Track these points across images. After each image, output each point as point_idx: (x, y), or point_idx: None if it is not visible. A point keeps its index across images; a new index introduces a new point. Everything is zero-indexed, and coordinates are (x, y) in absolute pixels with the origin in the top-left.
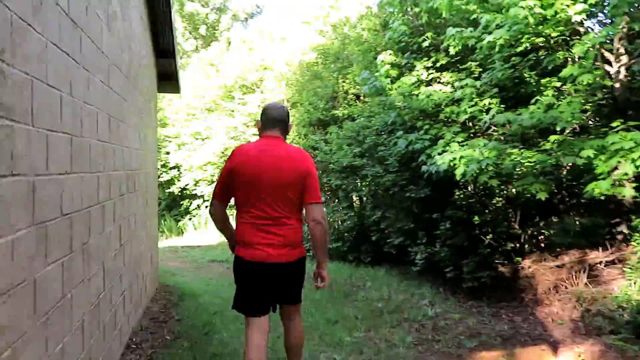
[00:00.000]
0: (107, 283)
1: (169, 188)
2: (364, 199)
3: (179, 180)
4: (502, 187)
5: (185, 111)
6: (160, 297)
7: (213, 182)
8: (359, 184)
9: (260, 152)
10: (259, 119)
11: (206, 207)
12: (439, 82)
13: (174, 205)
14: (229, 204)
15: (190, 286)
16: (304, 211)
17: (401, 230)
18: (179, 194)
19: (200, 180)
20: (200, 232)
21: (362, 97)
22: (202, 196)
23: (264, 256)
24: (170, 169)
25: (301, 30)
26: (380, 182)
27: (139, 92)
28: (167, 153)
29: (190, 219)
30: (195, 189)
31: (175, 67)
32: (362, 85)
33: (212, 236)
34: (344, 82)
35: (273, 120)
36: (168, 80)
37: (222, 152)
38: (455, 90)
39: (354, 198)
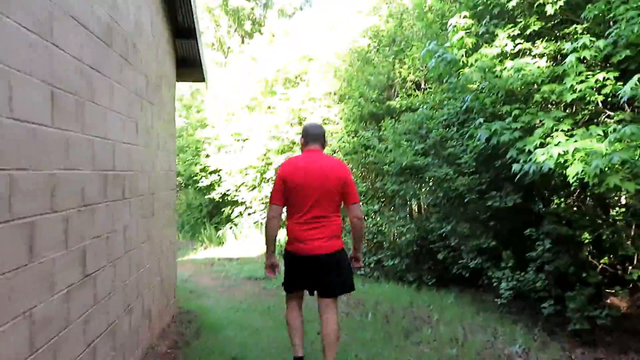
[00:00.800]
0: (51, 334)
1: (209, 194)
2: (427, 207)
3: (219, 186)
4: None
5: (225, 110)
6: (174, 329)
7: (255, 187)
8: (421, 188)
9: (307, 164)
10: (301, 136)
11: (248, 214)
12: (530, 55)
13: (215, 213)
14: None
15: (214, 313)
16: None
17: (478, 248)
18: (220, 200)
19: (241, 185)
20: (241, 242)
21: (423, 86)
22: (244, 203)
23: (312, 248)
24: (210, 173)
25: (352, 19)
26: (450, 187)
27: (134, 69)
28: (207, 156)
29: (231, 227)
30: (237, 195)
31: (198, 50)
32: (425, 61)
33: (253, 247)
34: (400, 67)
35: (314, 137)
36: (191, 67)
37: (264, 155)
38: (556, 64)
39: (414, 206)
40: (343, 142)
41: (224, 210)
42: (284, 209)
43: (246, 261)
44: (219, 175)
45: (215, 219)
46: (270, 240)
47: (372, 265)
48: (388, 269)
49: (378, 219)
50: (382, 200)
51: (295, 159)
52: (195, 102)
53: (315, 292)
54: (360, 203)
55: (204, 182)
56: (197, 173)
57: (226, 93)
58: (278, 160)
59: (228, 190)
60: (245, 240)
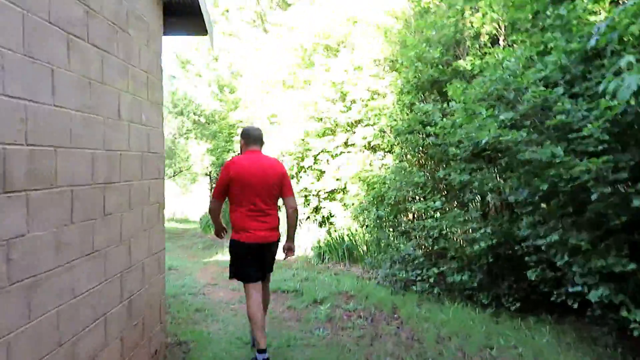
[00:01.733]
0: None
1: None
2: (512, 204)
3: None
4: None
5: (260, 88)
6: None
7: (292, 177)
8: (504, 178)
9: (250, 163)
10: (241, 138)
11: None
12: None
13: None
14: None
15: (214, 347)
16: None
17: (604, 271)
18: None
19: None
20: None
21: (503, 41)
22: None
23: (257, 238)
24: None
25: None
26: (560, 175)
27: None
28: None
29: None
30: None
31: None
32: None
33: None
34: (472, 15)
35: (254, 138)
36: (185, 16)
37: (302, 140)
38: None
39: (491, 203)
40: (394, 119)
41: None
42: (227, 202)
43: (281, 265)
44: None
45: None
46: (216, 221)
47: (431, 279)
48: (453, 285)
49: (439, 219)
50: (445, 194)
51: (239, 158)
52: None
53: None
54: (295, 196)
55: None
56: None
57: (262, 69)
58: (319, 144)
59: None
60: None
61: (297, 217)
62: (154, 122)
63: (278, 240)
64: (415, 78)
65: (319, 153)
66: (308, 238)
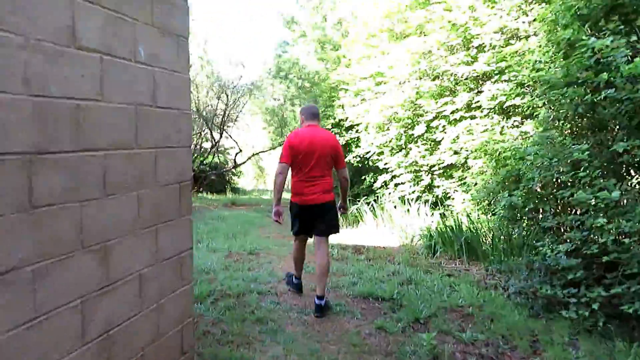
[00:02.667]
0: None
1: (346, 157)
2: None
3: (357, 147)
4: None
5: (365, 43)
6: None
7: (401, 149)
8: None
9: (308, 136)
10: (301, 114)
11: (395, 185)
12: None
13: (355, 181)
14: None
15: None
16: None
17: None
18: (359, 165)
19: (383, 145)
20: (381, 223)
21: None
22: (389, 170)
23: (311, 199)
24: (346, 129)
25: None
26: None
27: None
28: (341, 107)
29: (369, 203)
30: (379, 160)
31: None
32: None
33: (396, 234)
34: None
35: (312, 115)
36: None
37: (412, 103)
38: None
39: None
40: (541, 67)
41: (364, 179)
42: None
43: (380, 256)
44: (356, 131)
45: (355, 189)
46: (278, 191)
47: (594, 303)
48: (631, 317)
49: (613, 215)
50: (622, 180)
51: (300, 131)
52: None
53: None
54: (346, 167)
55: (340, 141)
56: (331, 130)
57: (368, 15)
58: (433, 108)
59: (367, 153)
60: (387, 224)
61: (348, 185)
62: (166, 61)
63: (331, 202)
64: (580, 2)
65: (433, 119)
66: (416, 223)
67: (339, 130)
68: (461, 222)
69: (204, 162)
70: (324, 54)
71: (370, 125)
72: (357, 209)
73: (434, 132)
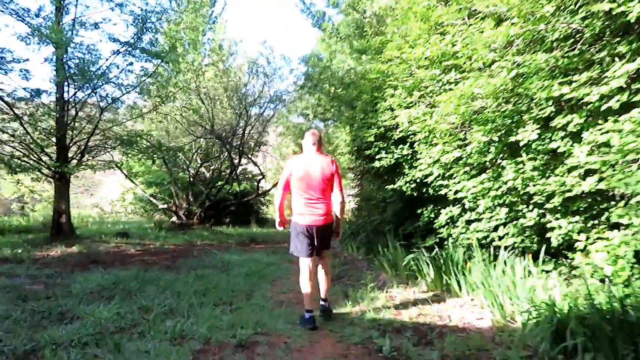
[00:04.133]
0: None
1: (395, 181)
2: None
3: (412, 168)
4: None
5: (421, 12)
6: None
7: (487, 168)
8: None
9: (308, 161)
10: (303, 140)
11: (467, 223)
12: None
13: (408, 215)
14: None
15: None
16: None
17: None
18: (412, 194)
19: (453, 163)
20: (454, 285)
21: None
22: (460, 198)
23: (313, 221)
24: (395, 143)
25: None
26: None
27: None
28: (389, 109)
29: (429, 247)
30: (444, 186)
31: None
32: None
33: (479, 304)
34: None
35: (311, 140)
36: None
37: (510, 91)
38: None
39: None
40: None
41: (422, 213)
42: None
43: (464, 353)
44: (410, 145)
45: (407, 227)
46: (278, 211)
47: None
48: None
49: None
50: None
51: (299, 156)
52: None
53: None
54: (343, 190)
55: (384, 159)
56: (374, 143)
57: None
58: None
59: (427, 177)
60: (463, 285)
61: (344, 207)
62: None
63: (331, 224)
64: None
65: (553, 114)
66: (519, 291)
67: (384, 145)
68: (612, 296)
69: (224, 189)
70: (362, 42)
71: (435, 133)
72: (414, 261)
73: (554, 137)
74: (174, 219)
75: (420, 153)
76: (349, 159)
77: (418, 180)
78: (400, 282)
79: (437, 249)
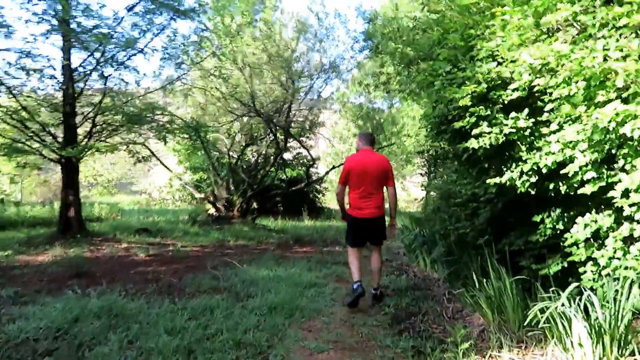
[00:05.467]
0: None
1: (490, 171)
2: None
3: (532, 150)
4: None
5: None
6: None
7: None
8: None
9: (364, 158)
10: (357, 140)
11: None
12: None
13: (514, 221)
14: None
15: None
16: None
17: None
18: (527, 190)
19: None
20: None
21: None
22: (610, 203)
23: (367, 214)
24: (505, 108)
25: None
26: None
27: None
28: (495, 56)
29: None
30: (589, 182)
31: None
32: None
33: None
34: None
35: (367, 141)
36: None
37: None
38: None
39: None
40: None
41: (543, 219)
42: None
43: None
44: (530, 111)
45: (512, 241)
46: (341, 206)
47: None
48: None
49: None
50: None
51: (356, 155)
52: None
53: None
54: (395, 185)
55: (486, 137)
56: (473, 106)
57: None
58: None
59: (560, 163)
60: None
61: (396, 200)
62: None
63: (382, 216)
64: None
65: None
66: None
67: (486, 112)
68: None
69: (269, 176)
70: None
71: (579, 85)
72: (548, 314)
73: None
74: (212, 210)
75: (561, 124)
76: (417, 142)
77: (545, 171)
78: (513, 338)
79: (586, 292)
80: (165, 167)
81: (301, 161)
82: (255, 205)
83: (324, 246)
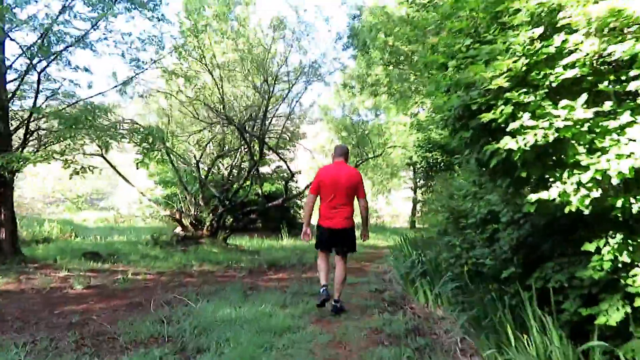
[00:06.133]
0: None
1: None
2: None
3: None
4: None
5: None
6: None
7: None
8: None
9: (335, 170)
10: (333, 152)
11: None
12: None
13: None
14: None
15: None
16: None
17: None
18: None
19: None
20: None
21: None
22: None
23: (335, 224)
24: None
25: None
26: None
27: None
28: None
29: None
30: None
31: None
32: None
33: None
34: None
35: (339, 153)
36: None
37: None
38: None
39: None
40: None
41: (598, 248)
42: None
43: None
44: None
45: (547, 274)
46: (307, 216)
47: None
48: None
49: None
50: None
51: (328, 166)
52: None
53: (334, 250)
54: (366, 197)
55: (529, 133)
56: (494, 93)
57: None
58: None
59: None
60: None
61: (368, 212)
62: None
63: (350, 228)
64: None
65: None
66: None
67: (531, 97)
68: None
69: (242, 192)
70: None
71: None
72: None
73: None
74: (178, 229)
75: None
76: (404, 154)
77: (617, 181)
78: None
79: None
80: (126, 180)
81: (281, 175)
82: (228, 222)
83: (303, 271)
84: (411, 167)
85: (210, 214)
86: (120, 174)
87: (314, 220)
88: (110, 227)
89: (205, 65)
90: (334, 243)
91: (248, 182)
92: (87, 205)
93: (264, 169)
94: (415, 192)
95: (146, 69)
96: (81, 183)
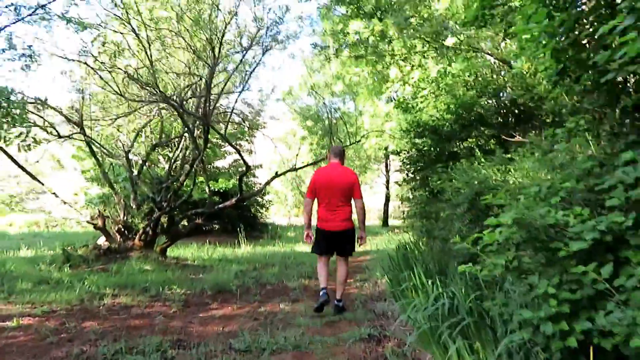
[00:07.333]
0: None
1: None
2: None
3: None
4: None
5: None
6: None
7: None
8: None
9: (331, 171)
10: (327, 153)
11: None
12: None
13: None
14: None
15: None
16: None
17: None
18: None
19: None
20: None
21: None
22: None
23: (333, 226)
24: None
25: None
26: None
27: None
28: None
29: None
30: None
31: None
32: None
33: None
34: None
35: (335, 154)
36: None
37: None
38: None
39: None
40: None
41: None
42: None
43: None
44: None
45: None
46: (307, 219)
47: None
48: None
49: None
50: None
51: (323, 168)
52: None
53: (335, 253)
54: (362, 197)
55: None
56: None
57: None
58: None
59: None
60: None
61: (364, 213)
62: None
63: (350, 229)
64: None
65: None
66: None
67: None
68: None
69: (183, 189)
70: None
71: None
72: None
73: None
74: (102, 239)
75: None
76: (378, 144)
77: None
78: None
79: None
80: (32, 177)
81: (239, 169)
82: (167, 227)
83: (262, 300)
84: (388, 159)
85: (145, 219)
86: (24, 169)
87: (314, 220)
88: (35, 234)
89: (121, 19)
90: (334, 246)
91: (193, 179)
92: (21, 206)
93: (219, 163)
94: (387, 187)
95: (29, 16)
96: (14, 180)
